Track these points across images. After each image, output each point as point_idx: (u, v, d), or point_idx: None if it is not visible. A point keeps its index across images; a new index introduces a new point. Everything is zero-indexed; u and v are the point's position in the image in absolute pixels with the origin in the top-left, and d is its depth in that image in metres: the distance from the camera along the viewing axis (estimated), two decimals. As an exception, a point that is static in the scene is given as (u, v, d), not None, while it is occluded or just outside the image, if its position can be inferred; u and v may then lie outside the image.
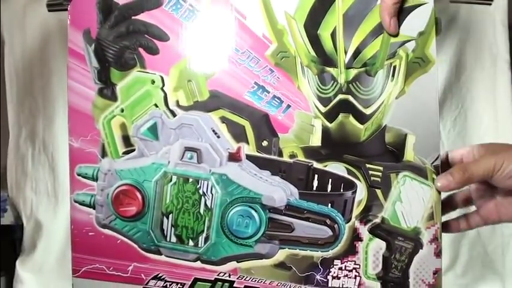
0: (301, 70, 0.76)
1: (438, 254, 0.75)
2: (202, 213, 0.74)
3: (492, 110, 1.15)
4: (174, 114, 0.76)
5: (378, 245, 0.75)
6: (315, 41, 0.75)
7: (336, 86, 0.75)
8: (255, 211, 0.74)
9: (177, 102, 0.75)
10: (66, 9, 1.09)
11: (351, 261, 0.74)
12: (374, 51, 0.76)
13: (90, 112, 0.77)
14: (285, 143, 0.75)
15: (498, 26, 1.14)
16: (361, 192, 0.75)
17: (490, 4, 1.13)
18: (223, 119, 0.75)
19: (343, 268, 0.74)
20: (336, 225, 0.74)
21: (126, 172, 0.76)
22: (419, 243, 0.75)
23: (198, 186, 0.74)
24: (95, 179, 0.76)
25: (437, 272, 0.74)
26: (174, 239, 0.75)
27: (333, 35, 0.75)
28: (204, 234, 0.75)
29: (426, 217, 0.76)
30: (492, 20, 1.14)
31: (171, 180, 0.75)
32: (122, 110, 0.77)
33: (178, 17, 0.75)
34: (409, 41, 0.77)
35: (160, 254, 0.75)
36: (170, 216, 0.75)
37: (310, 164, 0.75)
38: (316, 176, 0.75)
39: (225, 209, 0.74)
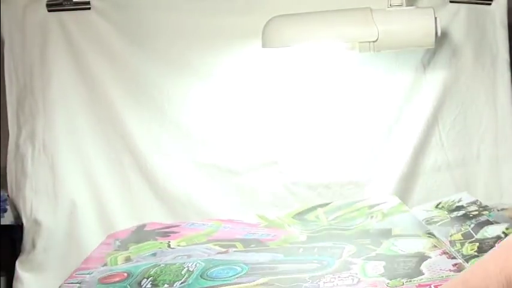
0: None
1: (453, 257, 0.80)
2: (183, 273, 0.82)
3: (492, 110, 1.15)
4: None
5: (376, 264, 0.80)
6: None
7: None
8: (238, 266, 0.82)
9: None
10: (66, 9, 1.10)
11: (346, 276, 0.78)
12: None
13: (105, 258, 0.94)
14: None
15: (498, 26, 1.14)
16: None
17: (489, 4, 1.13)
18: None
19: (337, 277, 0.77)
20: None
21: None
22: (422, 255, 0.81)
23: (183, 265, 0.85)
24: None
25: (456, 265, 0.78)
26: (149, 286, 0.80)
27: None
28: (182, 280, 0.80)
29: (428, 246, 0.84)
30: (492, 20, 1.14)
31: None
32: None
33: None
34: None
35: None
36: (150, 278, 0.82)
37: None
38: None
39: (206, 268, 0.83)
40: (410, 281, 0.73)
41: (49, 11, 1.10)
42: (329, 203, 1.06)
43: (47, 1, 1.09)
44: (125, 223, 1.11)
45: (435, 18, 0.99)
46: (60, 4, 1.10)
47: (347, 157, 1.14)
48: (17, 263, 1.09)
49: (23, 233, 1.11)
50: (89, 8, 1.10)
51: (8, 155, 1.11)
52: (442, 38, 1.07)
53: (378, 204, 1.03)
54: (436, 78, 1.13)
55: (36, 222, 1.09)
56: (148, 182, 1.13)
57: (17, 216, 1.12)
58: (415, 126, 1.13)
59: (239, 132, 1.13)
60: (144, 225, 1.06)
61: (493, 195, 1.14)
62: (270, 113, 1.14)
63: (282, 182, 1.13)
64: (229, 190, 1.13)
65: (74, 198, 1.11)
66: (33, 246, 1.10)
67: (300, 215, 1.03)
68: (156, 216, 1.12)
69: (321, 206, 1.06)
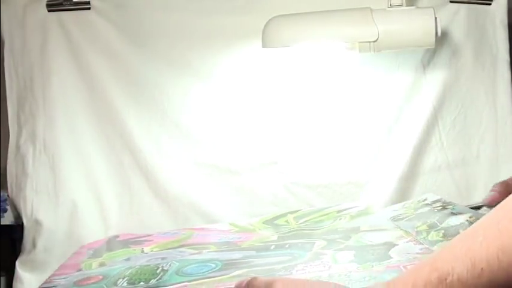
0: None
1: (419, 243, 0.82)
2: (158, 272, 0.83)
3: (492, 110, 1.15)
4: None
5: (346, 254, 0.82)
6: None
7: None
8: (212, 263, 0.84)
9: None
10: (66, 9, 1.10)
11: (317, 264, 0.79)
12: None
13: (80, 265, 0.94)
14: None
15: (498, 26, 1.14)
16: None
17: (489, 4, 1.13)
18: None
19: (309, 265, 0.78)
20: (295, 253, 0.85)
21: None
22: (391, 244, 0.83)
23: (158, 265, 0.85)
24: None
25: (422, 249, 0.80)
26: (125, 284, 0.80)
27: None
28: (157, 278, 0.80)
29: (395, 237, 0.85)
30: (492, 20, 1.14)
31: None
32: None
33: None
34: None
35: None
36: (126, 278, 0.82)
37: None
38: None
39: (181, 266, 0.83)
40: (379, 264, 0.75)
41: (49, 11, 1.10)
42: (299, 210, 1.09)
43: (47, 1, 1.09)
44: (125, 223, 1.12)
45: (435, 18, 0.99)
46: (60, 4, 1.10)
47: (347, 157, 1.14)
48: (17, 263, 1.09)
49: (23, 233, 1.11)
50: (89, 8, 1.10)
51: (9, 155, 1.11)
52: (442, 38, 1.07)
53: (347, 209, 1.06)
54: (436, 78, 1.13)
55: (37, 222, 1.09)
56: (148, 181, 1.13)
57: (17, 216, 1.12)
58: (415, 126, 1.13)
59: (239, 132, 1.13)
60: (116, 236, 1.08)
61: (493, 195, 1.15)
62: (270, 113, 1.14)
63: (282, 182, 1.13)
64: (229, 190, 1.13)
65: (75, 198, 1.11)
66: (34, 246, 1.10)
67: (270, 221, 1.06)
68: (156, 215, 1.13)
69: (291, 212, 1.08)
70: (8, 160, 1.11)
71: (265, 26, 1.01)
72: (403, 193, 1.13)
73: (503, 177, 1.15)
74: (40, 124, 1.11)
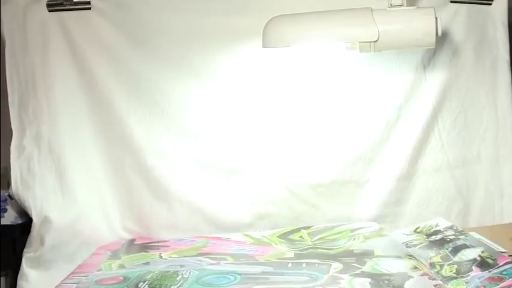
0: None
1: (433, 278, 0.82)
2: (178, 279, 0.85)
3: (492, 110, 1.15)
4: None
5: (362, 281, 0.83)
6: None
7: None
8: (231, 275, 0.86)
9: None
10: (66, 9, 1.10)
11: None
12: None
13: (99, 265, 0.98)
14: None
15: (498, 26, 1.14)
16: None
17: (490, 4, 1.13)
18: None
19: None
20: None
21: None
22: (405, 275, 0.84)
23: (177, 272, 0.87)
24: None
25: (437, 285, 0.80)
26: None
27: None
28: (178, 285, 0.83)
29: (410, 267, 0.87)
30: (492, 20, 1.14)
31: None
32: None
33: None
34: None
35: None
36: (147, 282, 0.85)
37: None
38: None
39: (200, 276, 0.86)
40: None
41: (49, 11, 1.10)
42: (312, 226, 1.10)
43: (48, 1, 1.09)
44: (127, 223, 1.13)
45: (436, 18, 0.99)
46: (61, 4, 1.10)
47: (347, 157, 1.14)
48: (24, 260, 1.09)
49: (23, 233, 1.11)
50: (89, 8, 1.10)
51: (12, 155, 1.11)
52: (442, 38, 1.07)
53: (360, 228, 1.08)
54: (436, 78, 1.13)
55: (47, 220, 1.10)
56: (149, 181, 1.13)
57: (20, 215, 1.12)
58: (415, 126, 1.13)
59: (240, 132, 1.13)
60: (133, 240, 1.10)
61: (494, 196, 1.15)
62: (271, 112, 1.14)
63: (283, 182, 1.13)
64: (229, 190, 1.13)
65: (80, 198, 1.12)
66: (42, 243, 1.10)
67: (285, 235, 1.08)
68: (157, 215, 1.13)
69: (304, 228, 1.10)
70: (11, 160, 1.11)
71: (266, 26, 1.01)
72: (402, 193, 1.13)
73: (504, 177, 1.15)
74: (44, 125, 1.11)
